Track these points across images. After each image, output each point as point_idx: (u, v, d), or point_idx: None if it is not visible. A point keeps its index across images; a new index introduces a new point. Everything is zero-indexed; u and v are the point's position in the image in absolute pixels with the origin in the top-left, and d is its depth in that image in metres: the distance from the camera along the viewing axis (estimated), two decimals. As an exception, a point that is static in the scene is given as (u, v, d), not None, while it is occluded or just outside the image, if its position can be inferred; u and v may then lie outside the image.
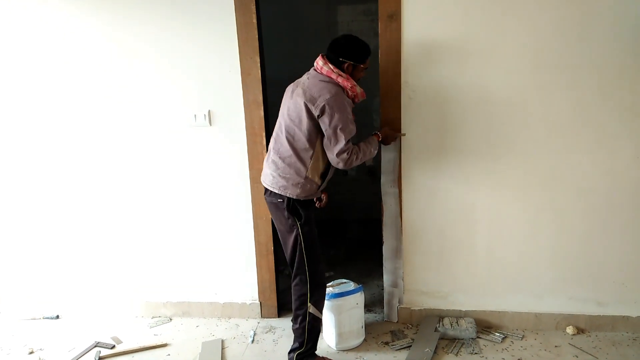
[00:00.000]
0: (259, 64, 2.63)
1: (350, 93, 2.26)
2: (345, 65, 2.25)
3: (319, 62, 2.27)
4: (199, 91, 2.72)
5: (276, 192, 2.32)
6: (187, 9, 2.62)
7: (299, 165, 2.27)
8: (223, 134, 2.76)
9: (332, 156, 2.25)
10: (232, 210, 2.87)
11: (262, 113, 2.69)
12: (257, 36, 2.60)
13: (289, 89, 2.37)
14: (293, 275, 2.42)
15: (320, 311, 2.45)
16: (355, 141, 2.29)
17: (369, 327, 2.82)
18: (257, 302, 2.98)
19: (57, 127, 2.86)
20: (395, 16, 2.45)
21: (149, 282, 3.06)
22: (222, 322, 2.98)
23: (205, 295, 3.03)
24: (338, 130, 2.19)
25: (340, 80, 2.23)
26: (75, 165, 2.91)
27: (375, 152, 2.40)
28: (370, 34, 4.17)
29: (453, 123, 2.57)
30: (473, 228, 2.70)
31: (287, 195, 2.29)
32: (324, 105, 2.17)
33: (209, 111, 2.74)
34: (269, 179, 2.35)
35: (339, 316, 2.59)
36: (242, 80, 2.66)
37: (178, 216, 2.93)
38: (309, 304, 2.39)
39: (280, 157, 2.29)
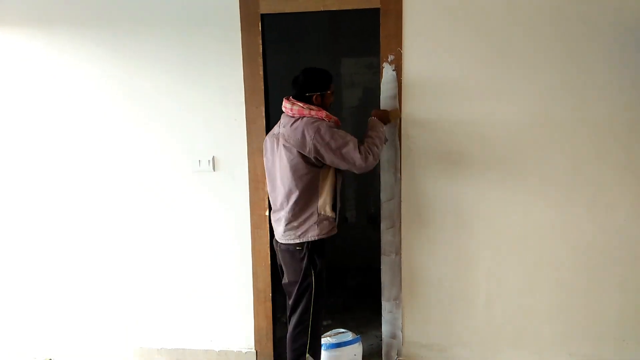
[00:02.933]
0: (264, 114, 2.71)
1: (327, 120, 2.30)
2: (314, 97, 2.33)
3: (286, 105, 2.34)
4: (204, 138, 2.78)
5: (296, 242, 2.34)
6: (196, 62, 2.72)
7: (309, 205, 2.31)
8: (226, 180, 2.80)
9: (357, 168, 2.25)
10: (232, 255, 2.87)
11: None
12: (263, 87, 2.69)
13: (267, 142, 2.44)
14: (294, 323, 2.40)
15: None
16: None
17: (366, 379, 2.78)
18: (253, 350, 2.94)
19: (63, 167, 2.91)
20: (397, 68, 2.55)
21: (143, 326, 3.02)
22: (216, 371, 2.94)
23: (201, 342, 2.98)
24: (344, 151, 2.22)
25: (313, 113, 2.28)
26: (77, 203, 2.93)
27: (384, 130, 2.40)
28: (372, 85, 4.31)
29: (451, 173, 2.62)
30: (472, 280, 2.70)
31: (308, 239, 2.32)
32: (313, 144, 2.21)
33: (214, 157, 2.79)
34: (284, 236, 2.37)
35: (337, 368, 2.56)
36: (247, 129, 2.73)
37: (176, 259, 2.93)
38: (307, 355, 2.37)
39: (288, 210, 2.33)
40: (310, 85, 2.34)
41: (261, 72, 2.67)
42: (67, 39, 2.78)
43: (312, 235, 2.32)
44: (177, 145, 2.81)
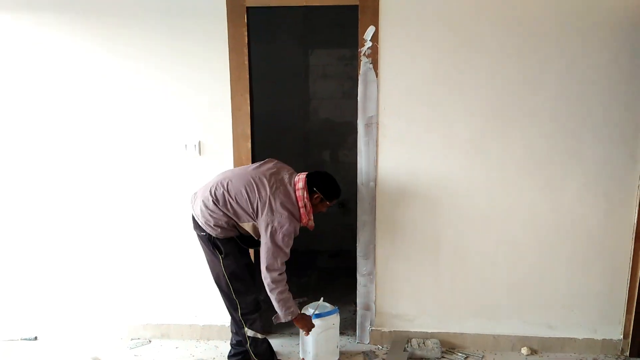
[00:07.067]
0: (249, 101, 2.87)
1: (302, 221, 2.50)
2: (315, 195, 2.50)
3: (300, 183, 2.48)
4: (190, 123, 2.91)
5: (200, 225, 2.51)
6: (183, 51, 2.84)
7: (221, 223, 2.47)
8: (211, 164, 2.94)
9: (266, 267, 2.41)
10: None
11: (249, 145, 2.90)
12: (248, 75, 2.84)
13: (270, 166, 2.56)
14: (225, 303, 2.66)
15: (259, 332, 2.66)
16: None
17: (342, 348, 3.00)
18: (236, 324, 3.11)
19: (48, 149, 2.98)
20: (373, 61, 2.76)
21: (129, 303, 3.14)
22: (201, 344, 3.09)
23: (185, 317, 3.14)
24: (277, 242, 2.39)
25: (302, 211, 2.46)
26: (66, 185, 3.02)
27: (282, 312, 2.50)
28: (344, 77, 4.50)
29: (420, 161, 2.85)
30: (438, 257, 2.96)
31: (207, 232, 2.50)
32: (272, 222, 2.39)
33: (199, 142, 2.93)
34: (199, 209, 2.49)
35: (317, 336, 2.77)
36: (232, 115, 2.88)
37: (162, 238, 3.06)
38: (245, 329, 2.62)
39: (211, 207, 2.45)
40: (320, 187, 2.51)
41: (246, 62, 2.82)
42: (55, 24, 2.84)
43: (210, 232, 2.49)
44: (165, 131, 2.93)
